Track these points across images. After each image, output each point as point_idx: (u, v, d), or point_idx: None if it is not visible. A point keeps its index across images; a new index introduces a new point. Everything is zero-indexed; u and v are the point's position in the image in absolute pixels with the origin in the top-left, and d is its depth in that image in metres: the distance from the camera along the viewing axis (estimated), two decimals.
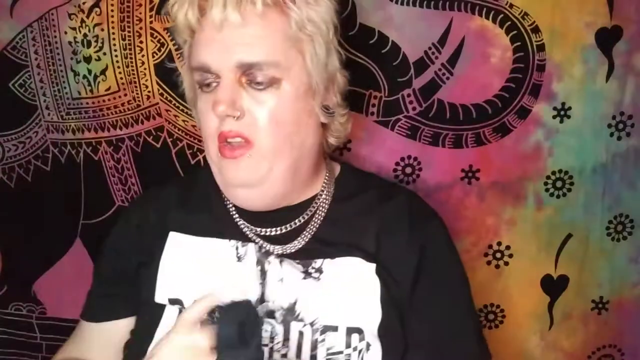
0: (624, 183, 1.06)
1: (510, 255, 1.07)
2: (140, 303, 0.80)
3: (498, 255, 1.06)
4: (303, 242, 0.79)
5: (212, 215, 0.82)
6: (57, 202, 0.99)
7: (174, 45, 0.92)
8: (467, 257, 1.06)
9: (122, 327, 0.82)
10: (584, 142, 1.02)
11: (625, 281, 1.12)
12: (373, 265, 0.77)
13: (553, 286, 1.09)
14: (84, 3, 0.90)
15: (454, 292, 0.82)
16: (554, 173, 1.03)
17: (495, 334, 1.11)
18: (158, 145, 0.98)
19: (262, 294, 0.76)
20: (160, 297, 0.78)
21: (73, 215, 0.99)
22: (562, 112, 1.00)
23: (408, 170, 1.00)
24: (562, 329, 1.13)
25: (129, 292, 0.82)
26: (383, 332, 0.75)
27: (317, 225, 0.80)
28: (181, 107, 0.95)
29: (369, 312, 0.75)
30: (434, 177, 1.01)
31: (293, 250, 0.79)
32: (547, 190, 1.04)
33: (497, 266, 1.07)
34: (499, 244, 1.06)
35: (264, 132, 0.72)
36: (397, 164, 1.00)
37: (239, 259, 0.78)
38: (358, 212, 0.81)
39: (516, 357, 1.13)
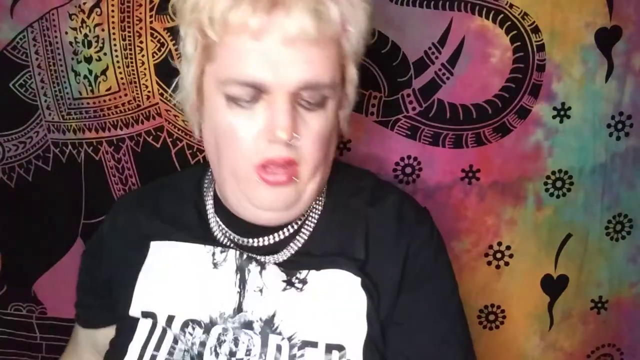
0: (623, 183, 1.06)
1: (511, 256, 1.07)
2: (116, 314, 0.79)
3: (498, 255, 1.07)
4: (289, 254, 0.76)
5: (193, 224, 0.79)
6: (57, 202, 0.99)
7: (174, 45, 0.91)
8: (467, 257, 1.06)
9: (107, 334, 0.80)
10: (583, 142, 1.02)
11: (624, 281, 1.12)
12: (358, 279, 0.73)
13: (553, 286, 1.10)
14: (84, 3, 0.90)
15: (439, 300, 0.76)
16: (553, 173, 1.03)
17: (496, 334, 1.12)
18: (158, 145, 0.98)
19: (240, 304, 0.73)
20: (134, 310, 0.76)
21: (74, 215, 0.99)
22: (562, 112, 1.00)
23: (408, 170, 1.00)
24: (562, 329, 1.13)
25: (105, 303, 0.81)
26: (367, 349, 0.71)
27: (307, 235, 0.77)
28: (181, 107, 0.95)
29: (352, 328, 0.71)
30: (434, 177, 1.01)
31: (279, 261, 0.76)
32: (547, 190, 1.04)
33: (498, 266, 1.07)
34: (499, 244, 1.06)
35: (309, 155, 0.68)
36: (397, 164, 1.00)
37: (215, 265, 0.75)
38: (349, 218, 0.77)
39: (516, 357, 1.14)
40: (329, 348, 0.70)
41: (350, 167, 0.86)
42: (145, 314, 0.75)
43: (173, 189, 0.84)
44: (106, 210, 0.92)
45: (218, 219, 0.78)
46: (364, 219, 0.77)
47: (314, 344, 0.70)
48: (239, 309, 0.73)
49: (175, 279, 0.76)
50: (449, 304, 0.77)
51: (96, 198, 0.99)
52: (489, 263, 1.07)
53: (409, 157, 1.00)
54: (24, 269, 1.03)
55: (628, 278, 1.12)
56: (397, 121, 0.98)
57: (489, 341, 1.11)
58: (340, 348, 0.70)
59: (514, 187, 1.03)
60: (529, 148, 1.01)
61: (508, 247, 1.06)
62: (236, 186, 0.71)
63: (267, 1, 0.62)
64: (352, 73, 0.72)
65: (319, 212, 0.78)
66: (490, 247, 1.06)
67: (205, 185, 0.82)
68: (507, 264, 1.07)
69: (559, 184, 1.04)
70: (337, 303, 0.72)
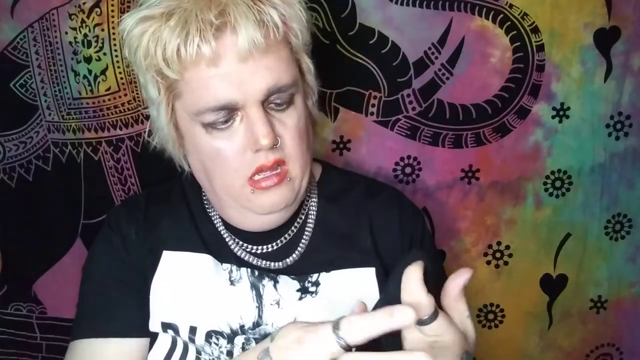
0: (621, 183, 1.06)
1: (510, 255, 1.07)
2: (132, 331, 0.76)
3: (498, 255, 1.07)
4: (299, 254, 0.79)
5: (203, 237, 0.80)
6: (57, 202, 0.99)
7: None
8: (466, 256, 1.06)
9: (120, 349, 0.76)
10: (582, 142, 1.03)
11: (623, 280, 1.13)
12: (371, 270, 0.78)
13: (552, 285, 1.10)
14: (84, 3, 0.90)
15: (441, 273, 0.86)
16: (553, 173, 1.03)
17: (495, 334, 1.12)
18: (158, 146, 0.97)
19: (259, 317, 0.76)
20: (154, 323, 0.76)
21: (73, 215, 0.99)
22: (561, 112, 1.00)
23: (408, 170, 1.01)
24: (561, 328, 1.13)
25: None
26: None
27: (310, 233, 0.80)
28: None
29: None
30: (433, 177, 1.01)
31: (291, 264, 0.79)
32: (546, 190, 1.04)
33: (497, 266, 1.08)
34: (499, 243, 1.06)
35: (294, 151, 0.71)
36: (396, 164, 1.00)
37: (232, 282, 0.77)
38: (347, 210, 0.82)
39: (515, 356, 1.14)
40: None
41: (337, 168, 0.90)
42: (166, 326, 0.75)
43: (174, 202, 0.84)
44: (106, 210, 0.92)
45: (233, 235, 0.80)
46: (365, 210, 0.82)
47: None
48: (258, 322, 0.76)
49: (191, 290, 0.77)
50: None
51: (96, 198, 0.99)
52: (489, 262, 1.07)
53: (408, 157, 1.00)
54: (24, 269, 1.03)
55: (627, 278, 1.13)
56: (397, 121, 0.98)
57: (488, 340, 1.12)
58: None
59: (514, 187, 1.03)
60: (529, 148, 1.01)
61: (507, 247, 1.07)
62: (234, 203, 0.74)
63: (212, 27, 0.64)
64: (307, 63, 0.74)
65: (316, 209, 0.82)
66: (490, 246, 1.06)
67: (205, 202, 0.83)
68: (506, 263, 1.08)
69: (558, 183, 1.04)
70: (350, 298, 0.75)
